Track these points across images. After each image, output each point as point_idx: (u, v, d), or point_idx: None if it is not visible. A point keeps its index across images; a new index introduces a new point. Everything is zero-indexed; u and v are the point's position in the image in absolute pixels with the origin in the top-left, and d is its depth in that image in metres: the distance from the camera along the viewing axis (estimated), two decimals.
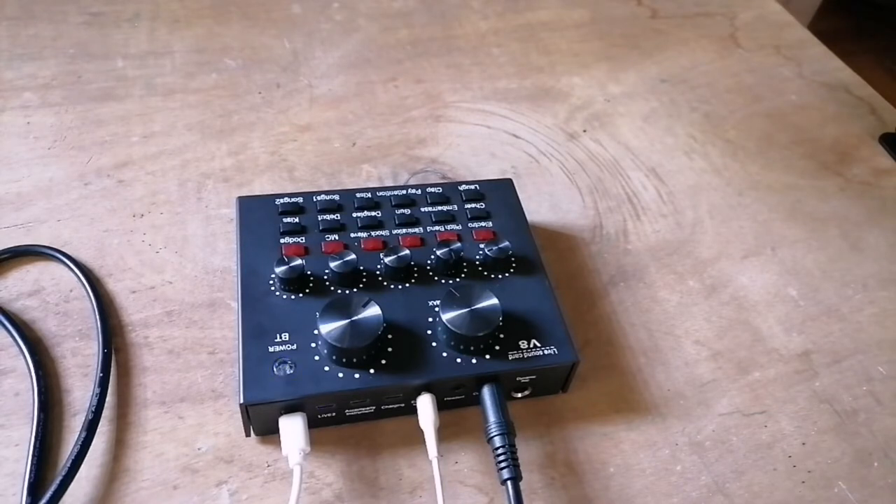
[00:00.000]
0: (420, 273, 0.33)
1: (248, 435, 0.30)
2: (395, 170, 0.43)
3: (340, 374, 0.29)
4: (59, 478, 0.27)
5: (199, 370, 0.32)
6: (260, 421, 0.29)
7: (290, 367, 0.29)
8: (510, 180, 0.38)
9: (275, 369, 0.28)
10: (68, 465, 0.27)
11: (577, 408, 0.33)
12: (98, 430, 0.29)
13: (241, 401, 0.28)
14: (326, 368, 0.29)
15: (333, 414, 0.30)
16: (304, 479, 0.29)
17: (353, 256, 0.32)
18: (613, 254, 0.40)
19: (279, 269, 0.31)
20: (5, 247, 0.36)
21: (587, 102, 0.50)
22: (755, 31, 0.59)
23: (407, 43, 0.53)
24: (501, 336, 0.31)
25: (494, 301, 0.30)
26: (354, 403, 0.29)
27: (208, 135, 0.44)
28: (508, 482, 0.27)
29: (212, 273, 0.36)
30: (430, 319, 0.31)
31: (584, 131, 0.48)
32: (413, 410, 0.30)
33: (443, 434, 0.30)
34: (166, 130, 0.43)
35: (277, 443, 0.28)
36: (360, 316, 0.29)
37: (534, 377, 0.31)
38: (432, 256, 0.33)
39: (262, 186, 0.41)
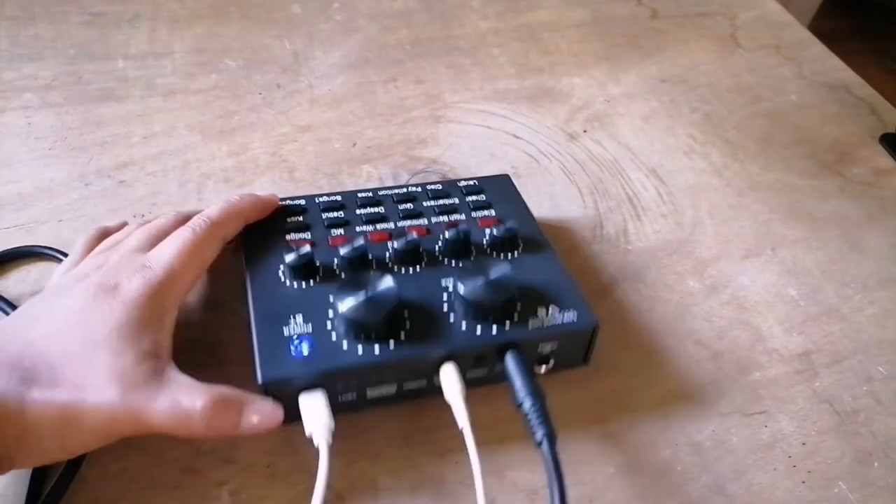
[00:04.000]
0: (429, 258, 0.33)
1: None
2: (396, 170, 0.43)
3: (360, 350, 0.28)
4: (59, 478, 0.27)
5: (199, 370, 0.32)
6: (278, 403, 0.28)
7: (308, 346, 0.28)
8: (507, 175, 0.39)
9: (292, 349, 0.28)
10: (68, 465, 0.27)
11: (578, 408, 0.33)
12: None
13: (260, 380, 0.27)
14: (345, 345, 0.28)
15: (354, 395, 0.29)
16: (314, 469, 0.29)
17: (362, 242, 0.32)
18: (614, 254, 0.40)
19: (288, 257, 0.31)
20: (6, 247, 0.36)
21: (587, 103, 0.50)
22: (755, 31, 0.59)
23: (407, 43, 0.53)
24: (519, 306, 0.30)
25: (509, 270, 0.30)
26: (375, 381, 0.29)
27: (209, 135, 0.44)
28: (544, 440, 0.26)
29: (212, 273, 0.36)
30: (445, 297, 0.31)
31: (585, 131, 0.48)
32: (435, 391, 0.29)
33: (444, 434, 0.30)
34: (167, 131, 0.44)
35: (277, 441, 0.28)
36: (376, 290, 0.29)
37: (555, 345, 0.30)
38: (440, 241, 0.33)
39: (262, 187, 0.41)
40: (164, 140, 0.43)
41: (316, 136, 0.45)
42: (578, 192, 0.43)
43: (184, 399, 0.25)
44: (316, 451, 0.29)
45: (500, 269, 0.30)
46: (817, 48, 0.58)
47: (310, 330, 0.29)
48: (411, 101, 0.48)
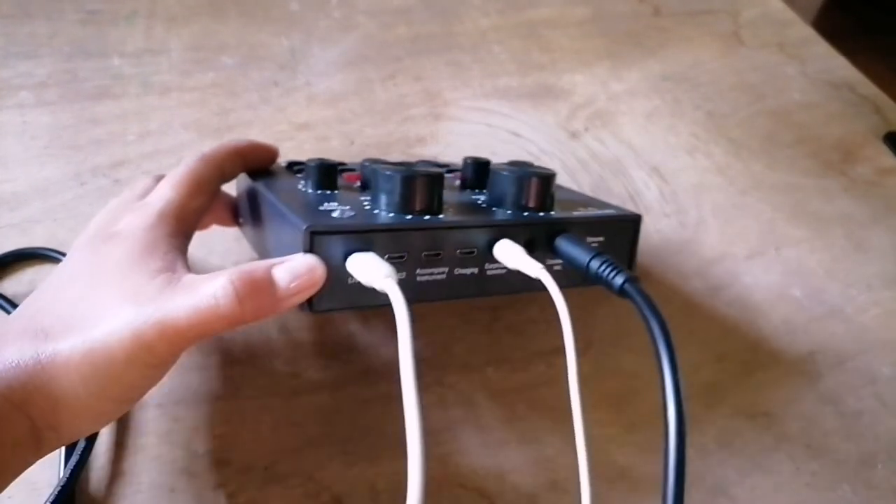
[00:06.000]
0: (450, 189, 0.32)
1: (311, 309, 0.25)
2: None
3: (407, 217, 0.27)
4: (61, 484, 0.27)
5: (195, 372, 0.32)
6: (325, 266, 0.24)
7: (351, 213, 0.26)
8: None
9: (332, 215, 0.26)
10: (68, 469, 0.27)
11: None
12: None
13: (303, 227, 0.24)
14: (391, 215, 0.27)
15: (404, 274, 0.26)
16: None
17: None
18: None
19: (311, 164, 0.29)
20: (1, 247, 0.35)
21: (589, 100, 0.50)
22: (759, 29, 0.59)
23: (406, 40, 0.53)
24: (560, 206, 0.30)
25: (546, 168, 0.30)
26: (426, 259, 0.27)
27: (205, 133, 0.43)
28: (626, 283, 0.25)
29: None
30: (481, 201, 0.30)
31: (586, 130, 0.47)
32: (486, 287, 0.28)
33: (443, 436, 0.30)
34: (163, 129, 0.43)
35: (276, 443, 0.28)
36: (418, 168, 0.28)
37: (601, 241, 0.30)
38: (463, 173, 0.33)
39: None
40: (160, 138, 0.42)
41: (313, 135, 0.44)
42: (580, 190, 0.43)
43: (204, 288, 0.22)
44: (316, 452, 0.28)
45: (536, 168, 0.30)
46: (821, 46, 0.58)
47: (348, 207, 0.27)
48: (410, 99, 0.48)
